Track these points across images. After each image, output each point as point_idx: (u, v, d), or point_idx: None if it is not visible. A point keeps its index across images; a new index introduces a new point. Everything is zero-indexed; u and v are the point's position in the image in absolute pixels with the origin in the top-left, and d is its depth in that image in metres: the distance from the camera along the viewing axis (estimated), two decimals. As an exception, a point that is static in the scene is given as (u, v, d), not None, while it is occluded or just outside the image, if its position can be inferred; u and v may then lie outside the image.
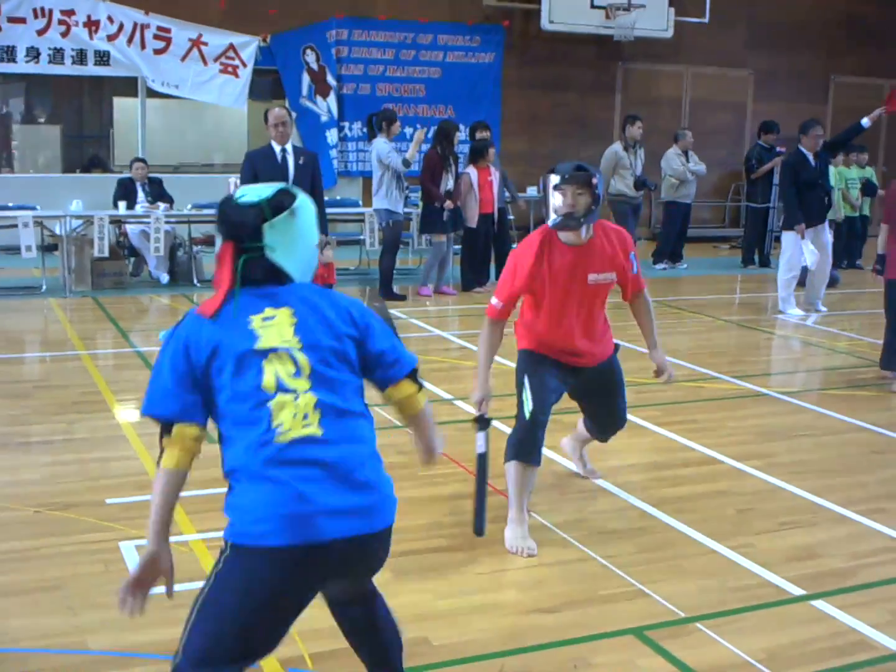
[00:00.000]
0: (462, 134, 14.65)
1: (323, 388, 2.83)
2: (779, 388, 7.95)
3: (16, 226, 11.56)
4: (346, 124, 16.63)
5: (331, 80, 16.40)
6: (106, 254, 11.91)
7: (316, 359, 2.85)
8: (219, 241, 2.98)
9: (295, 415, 2.77)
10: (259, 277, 2.91)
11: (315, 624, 3.98)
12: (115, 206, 12.34)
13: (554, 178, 4.74)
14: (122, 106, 17.45)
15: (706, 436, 6.62)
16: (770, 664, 3.82)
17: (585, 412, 5.42)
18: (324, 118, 16.48)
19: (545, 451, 5.20)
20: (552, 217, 4.75)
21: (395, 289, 12.07)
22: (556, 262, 4.81)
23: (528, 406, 4.86)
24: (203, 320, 2.86)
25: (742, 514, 5.33)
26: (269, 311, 2.88)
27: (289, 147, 8.86)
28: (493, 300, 4.94)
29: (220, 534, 4.80)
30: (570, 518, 5.20)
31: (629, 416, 5.44)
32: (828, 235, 11.45)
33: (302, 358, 2.83)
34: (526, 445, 4.86)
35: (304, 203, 3.00)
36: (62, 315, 10.72)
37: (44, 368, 8.55)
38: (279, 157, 8.78)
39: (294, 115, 15.66)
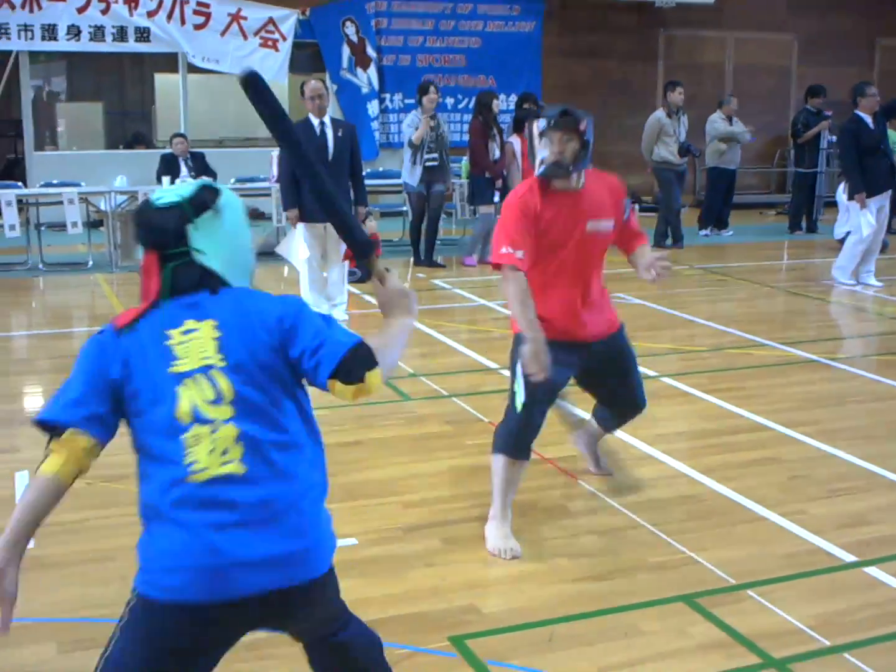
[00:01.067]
0: (505, 104, 14.60)
1: (248, 416, 2.46)
2: (827, 355, 7.87)
3: (62, 202, 11.65)
4: (387, 96, 16.59)
5: (371, 51, 16.36)
6: (150, 229, 11.93)
7: (241, 381, 2.48)
8: (141, 251, 2.63)
9: (212, 450, 2.42)
10: (190, 286, 2.57)
11: (366, 592, 4.03)
12: (159, 181, 12.40)
13: (540, 125, 4.42)
14: (164, 82, 17.48)
15: (755, 402, 6.56)
16: (821, 631, 3.78)
17: (599, 398, 4.94)
18: (364, 90, 16.44)
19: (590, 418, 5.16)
20: (538, 166, 4.42)
21: (438, 258, 12.07)
22: (549, 211, 4.40)
23: (520, 398, 4.43)
24: (117, 334, 2.54)
25: (792, 481, 5.29)
26: (189, 324, 2.53)
27: (327, 119, 8.83)
28: (502, 249, 4.40)
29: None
30: (619, 485, 5.17)
31: (676, 383, 5.40)
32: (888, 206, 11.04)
33: (223, 382, 2.47)
34: (515, 439, 4.49)
35: (230, 198, 2.69)
36: (109, 290, 10.80)
37: (91, 343, 8.60)
38: (317, 129, 8.74)
39: (334, 87, 15.74)
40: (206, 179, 2.74)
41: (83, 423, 2.46)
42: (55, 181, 12.82)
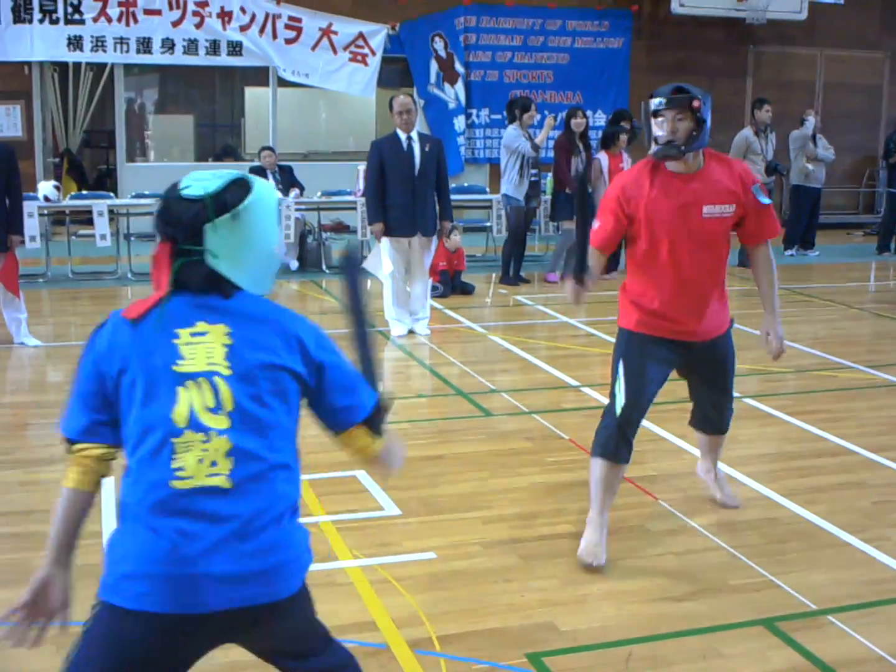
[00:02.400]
0: (592, 120, 14.57)
1: (245, 430, 2.37)
2: (915, 379, 7.74)
3: (152, 213, 11.81)
4: (474, 111, 16.65)
5: (459, 67, 16.43)
6: (237, 240, 12.11)
7: (243, 393, 2.39)
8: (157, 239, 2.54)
9: (201, 460, 2.32)
10: (197, 286, 2.46)
11: (444, 606, 4.06)
12: (247, 193, 12.55)
13: (653, 104, 4.27)
14: (253, 95, 17.72)
15: (839, 426, 6.47)
16: (905, 659, 3.74)
17: (690, 392, 4.89)
18: (451, 105, 16.52)
19: (674, 440, 5.15)
20: (653, 146, 4.31)
21: (523, 274, 12.10)
22: (658, 191, 4.29)
23: (620, 400, 4.41)
24: (124, 324, 2.44)
25: (877, 507, 5.21)
26: (201, 326, 2.43)
27: (414, 135, 8.89)
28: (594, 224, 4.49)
29: (350, 515, 4.91)
30: (699, 507, 5.14)
31: (758, 405, 5.35)
32: None
33: (226, 390, 2.37)
34: (614, 442, 4.44)
35: (260, 196, 2.53)
36: (195, 300, 10.96)
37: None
38: (405, 144, 8.81)
39: (422, 102, 15.82)
40: (240, 172, 2.58)
41: (86, 436, 2.44)
42: (146, 192, 13.05)
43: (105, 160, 18.08)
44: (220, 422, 2.36)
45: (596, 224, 4.45)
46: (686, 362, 4.61)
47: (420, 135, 9.02)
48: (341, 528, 4.77)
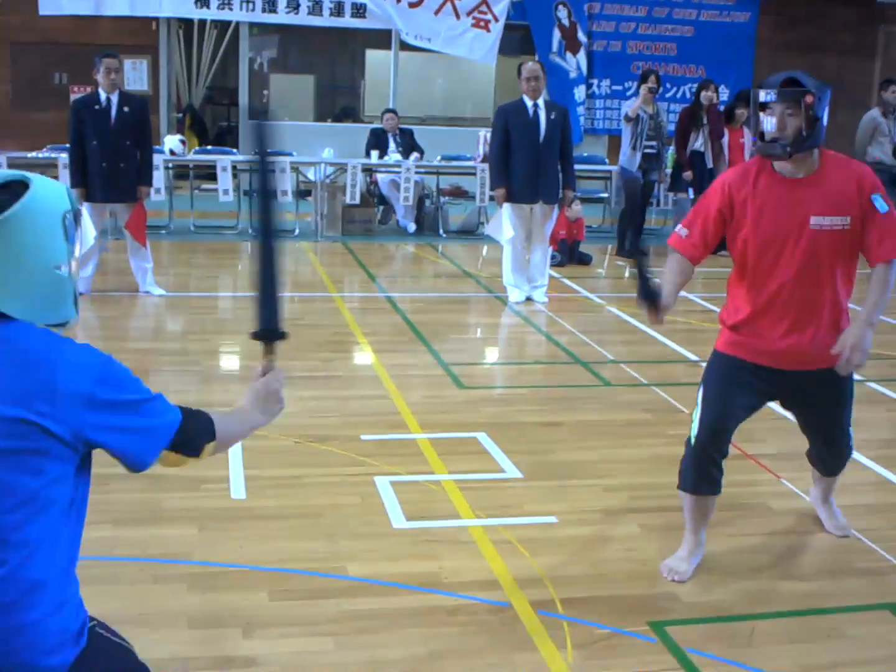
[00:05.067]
0: (724, 94, 14.38)
1: None
2: None
3: (274, 171, 11.97)
4: (595, 81, 16.53)
5: (581, 36, 16.31)
6: (357, 201, 12.26)
7: None
8: None
9: None
10: None
11: (567, 571, 4.08)
12: (367, 154, 12.66)
13: (761, 94, 3.75)
14: (374, 58, 17.79)
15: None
16: None
17: (801, 428, 4.32)
18: (573, 75, 16.41)
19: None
20: (757, 143, 3.82)
21: (643, 248, 12.01)
22: (765, 193, 3.78)
23: (695, 430, 3.96)
24: None
25: None
26: None
27: (541, 102, 8.85)
28: (679, 228, 4.02)
29: (472, 476, 4.95)
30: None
31: (883, 389, 5.22)
32: None
33: None
34: (691, 476, 4.02)
35: (31, 207, 2.08)
36: (314, 258, 11.11)
37: (298, 308, 8.86)
38: (531, 111, 8.78)
39: (544, 70, 15.72)
40: (16, 173, 2.12)
41: None
42: (268, 150, 13.17)
43: (226, 117, 18.32)
44: None
45: (683, 230, 3.97)
46: (789, 395, 4.10)
47: (546, 102, 8.99)
48: (463, 487, 4.81)
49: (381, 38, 16.18)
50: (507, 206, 8.87)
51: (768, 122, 3.72)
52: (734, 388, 3.92)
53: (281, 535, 4.29)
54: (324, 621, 3.64)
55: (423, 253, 11.74)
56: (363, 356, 7.19)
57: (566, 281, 10.00)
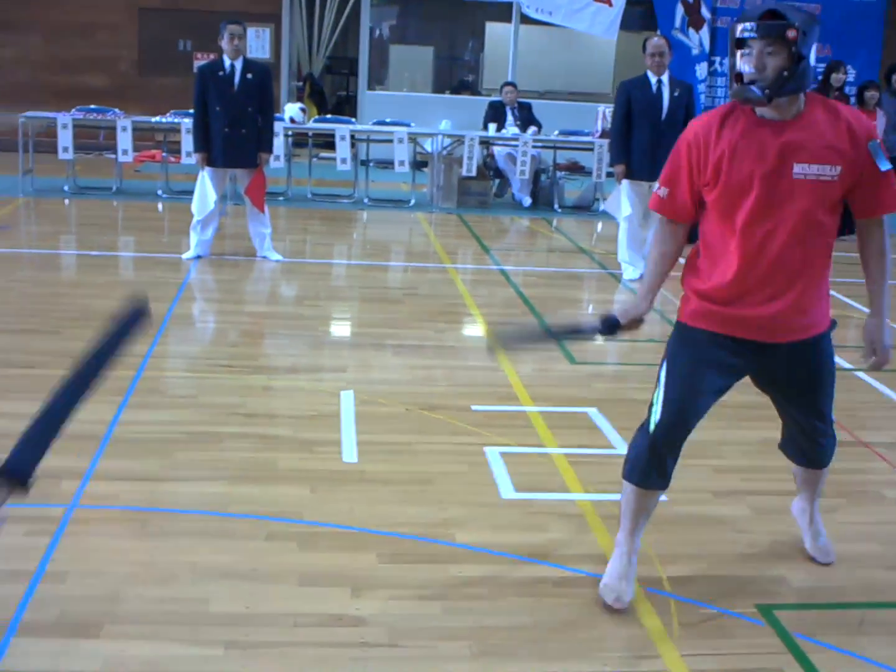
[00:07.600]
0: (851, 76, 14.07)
1: None
2: None
3: (391, 141, 12.07)
4: (717, 59, 16.25)
5: (705, 12, 16.04)
6: (473, 173, 12.27)
7: None
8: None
9: None
10: None
11: (675, 549, 4.05)
12: (485, 127, 12.65)
13: (738, 29, 3.25)
14: (494, 30, 17.76)
15: None
16: None
17: (777, 410, 3.83)
18: (695, 51, 16.16)
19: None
20: (733, 85, 3.29)
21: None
22: (740, 137, 3.28)
23: (656, 415, 3.52)
24: None
25: None
26: None
27: (665, 78, 8.74)
28: (658, 188, 3.53)
29: (582, 450, 4.95)
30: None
31: None
32: None
33: None
34: (641, 467, 3.56)
35: None
36: (428, 229, 11.16)
37: (411, 277, 8.93)
38: (654, 87, 8.68)
39: (668, 46, 15.52)
40: None
41: None
42: (387, 119, 13.27)
43: (345, 86, 18.46)
44: None
45: (663, 190, 3.50)
46: (761, 371, 3.60)
47: (671, 79, 8.88)
48: (573, 461, 4.81)
49: (502, 11, 16.14)
50: (625, 183, 8.80)
51: (746, 61, 3.23)
52: (702, 368, 3.48)
53: (391, 500, 4.34)
54: (431, 586, 3.68)
55: (537, 227, 11.72)
56: (475, 328, 7.22)
57: (682, 260, 9.86)
